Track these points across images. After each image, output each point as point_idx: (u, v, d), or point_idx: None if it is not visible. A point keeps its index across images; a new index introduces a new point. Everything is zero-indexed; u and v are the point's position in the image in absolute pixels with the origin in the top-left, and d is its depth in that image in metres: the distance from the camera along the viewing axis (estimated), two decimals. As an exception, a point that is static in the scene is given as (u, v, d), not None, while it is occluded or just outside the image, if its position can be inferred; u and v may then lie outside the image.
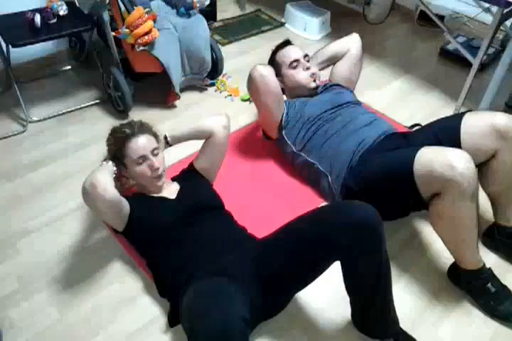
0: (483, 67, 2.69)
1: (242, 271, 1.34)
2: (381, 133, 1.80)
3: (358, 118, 1.86)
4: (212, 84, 2.48)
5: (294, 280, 1.35)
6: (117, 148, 1.54)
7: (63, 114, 2.28)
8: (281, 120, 1.92)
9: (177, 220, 1.48)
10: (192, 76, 2.35)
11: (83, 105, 2.31)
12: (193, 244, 1.44)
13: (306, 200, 1.87)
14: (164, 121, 2.25)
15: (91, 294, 1.56)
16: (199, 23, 2.22)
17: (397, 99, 2.51)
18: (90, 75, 2.51)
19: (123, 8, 1.97)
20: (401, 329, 1.42)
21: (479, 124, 1.59)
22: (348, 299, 1.39)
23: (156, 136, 1.60)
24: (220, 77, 2.50)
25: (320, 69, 2.10)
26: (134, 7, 1.95)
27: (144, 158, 1.51)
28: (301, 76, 1.97)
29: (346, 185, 1.73)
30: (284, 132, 1.92)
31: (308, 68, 1.98)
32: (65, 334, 1.45)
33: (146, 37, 1.96)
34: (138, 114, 2.27)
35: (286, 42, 2.06)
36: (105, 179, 1.39)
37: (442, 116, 2.36)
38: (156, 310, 1.52)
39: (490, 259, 1.69)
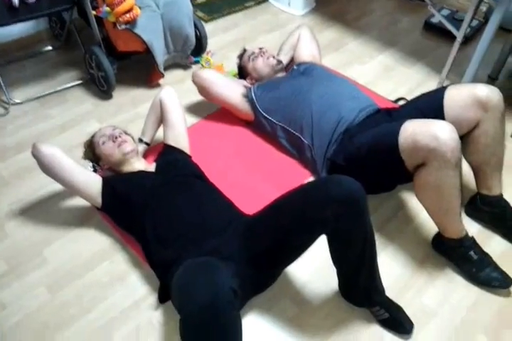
0: (467, 39, 2.69)
1: (231, 249, 1.36)
2: (363, 107, 1.82)
3: (337, 91, 1.88)
4: (197, 62, 2.46)
5: (283, 255, 1.37)
6: (88, 145, 1.71)
7: (46, 95, 2.25)
8: (253, 99, 1.97)
9: (156, 188, 1.51)
10: (175, 54, 2.33)
11: (65, 86, 2.28)
12: (178, 217, 1.45)
13: (292, 174, 1.89)
14: (149, 100, 2.18)
15: (81, 273, 1.58)
16: (182, 0, 2.19)
17: (381, 73, 2.51)
18: (72, 55, 2.47)
19: (102, -15, 1.94)
20: (387, 297, 1.46)
21: (461, 96, 1.61)
22: (334, 269, 1.42)
23: (132, 137, 1.73)
24: (204, 55, 2.47)
25: (288, 62, 2.27)
26: (113, -16, 1.91)
27: (104, 136, 1.65)
28: (260, 60, 2.10)
29: (332, 159, 1.76)
30: (259, 108, 1.96)
31: (264, 53, 2.11)
32: (56, 313, 1.48)
33: (128, 15, 1.93)
34: (122, 94, 2.26)
35: (244, 50, 2.22)
36: (45, 143, 1.54)
37: (426, 89, 2.38)
38: (147, 287, 1.54)
39: (473, 228, 1.73)
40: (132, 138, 1.74)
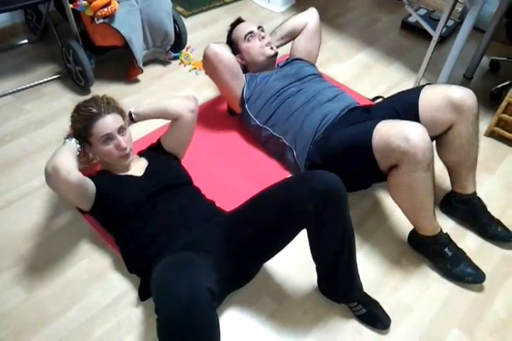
0: (443, 39, 2.75)
1: (210, 244, 1.37)
2: (344, 108, 1.83)
3: (321, 93, 1.88)
4: (176, 58, 2.44)
5: (262, 250, 1.39)
6: (82, 127, 1.47)
7: (21, 90, 2.20)
8: (243, 94, 1.93)
9: (144, 197, 1.48)
10: (154, 49, 2.31)
11: (42, 80, 2.23)
12: (161, 220, 1.45)
13: (273, 173, 1.90)
14: (127, 95, 2.21)
15: (59, 271, 1.56)
16: (160, -5, 2.17)
17: (359, 72, 2.54)
18: (48, 49, 2.42)
19: (80, -22, 1.90)
20: (364, 293, 1.49)
21: (436, 97, 1.64)
22: (314, 266, 1.44)
23: (122, 113, 1.56)
24: (184, 50, 2.46)
25: (280, 46, 2.14)
26: (91, -23, 1.89)
27: (109, 136, 1.46)
28: (257, 45, 1.98)
29: (310, 159, 1.78)
30: (246, 106, 1.94)
31: (263, 37, 1.99)
32: (34, 312, 1.46)
33: (106, 9, 1.90)
34: (100, 89, 2.22)
35: (239, 20, 2.07)
36: (68, 161, 1.36)
37: (403, 88, 2.41)
38: (127, 284, 1.53)
39: (448, 224, 1.78)
40: (130, 136, 1.57)
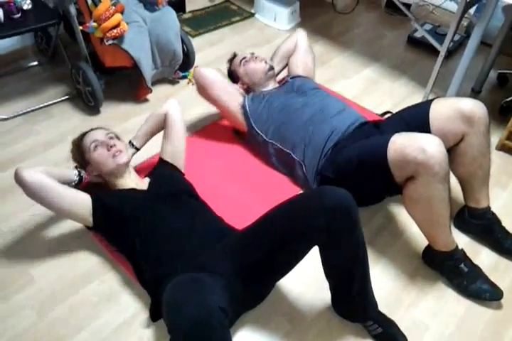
0: (450, 53, 2.75)
1: (222, 264, 1.35)
2: (352, 121, 1.84)
3: (328, 107, 1.89)
4: (184, 77, 2.46)
5: (274, 269, 1.37)
6: (76, 148, 1.61)
7: (31, 111, 2.22)
8: (246, 111, 1.96)
9: (150, 208, 1.48)
10: (163, 69, 2.33)
11: (52, 102, 2.25)
12: (169, 234, 1.44)
13: (282, 189, 1.88)
14: (136, 115, 2.22)
15: (70, 293, 1.54)
16: (168, 16, 2.20)
17: (366, 88, 2.54)
18: (58, 70, 2.45)
19: (89, 1, 1.93)
20: (379, 312, 1.46)
21: (446, 110, 1.64)
22: (326, 283, 1.42)
23: (114, 133, 1.65)
24: (192, 70, 2.48)
25: (280, 71, 2.26)
26: (101, 0, 1.91)
27: (97, 142, 1.56)
28: (251, 65, 2.07)
29: (322, 173, 1.77)
30: (252, 122, 1.96)
31: (256, 57, 2.09)
32: (45, 334, 1.44)
33: (115, 30, 1.93)
34: (110, 109, 2.24)
35: (234, 55, 2.20)
36: (27, 169, 1.44)
37: (411, 103, 2.39)
38: (138, 305, 1.51)
39: (462, 240, 1.75)
40: (125, 144, 1.68)
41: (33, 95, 2.31)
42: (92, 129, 1.65)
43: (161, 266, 1.39)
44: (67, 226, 1.73)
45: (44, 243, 1.69)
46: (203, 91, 2.01)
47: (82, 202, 1.49)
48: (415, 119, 1.70)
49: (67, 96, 2.29)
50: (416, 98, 2.44)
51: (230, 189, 1.89)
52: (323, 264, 1.37)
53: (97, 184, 1.67)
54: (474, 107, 1.61)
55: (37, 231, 1.72)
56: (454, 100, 1.66)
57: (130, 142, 1.76)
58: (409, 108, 1.81)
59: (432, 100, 1.71)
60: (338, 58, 2.76)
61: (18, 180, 1.44)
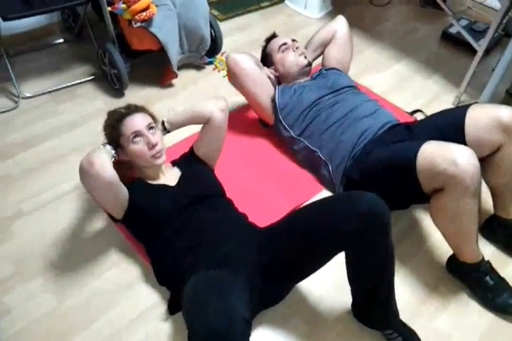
0: (486, 52, 2.64)
1: (244, 259, 1.32)
2: (383, 124, 1.78)
3: (360, 107, 1.83)
4: (210, 63, 2.40)
5: (297, 269, 1.34)
6: (113, 128, 1.47)
7: (56, 90, 2.19)
8: (276, 104, 1.90)
9: (178, 208, 1.45)
10: (190, 54, 2.27)
11: (77, 81, 2.22)
12: (194, 232, 1.41)
13: (306, 187, 1.85)
14: (161, 100, 2.18)
15: (89, 280, 1.54)
16: (198, 0, 2.13)
17: (397, 83, 2.46)
18: (84, 49, 2.40)
19: (120, -19, 1.87)
20: (400, 320, 1.43)
21: (483, 118, 1.57)
22: (347, 288, 1.39)
23: (153, 117, 1.54)
24: (219, 56, 2.42)
25: (314, 59, 2.13)
26: (132, -19, 1.85)
27: (139, 134, 1.44)
28: (291, 55, 1.97)
29: (348, 175, 1.72)
30: (280, 116, 1.90)
31: (297, 48, 1.98)
32: (62, 320, 1.44)
33: (144, 13, 1.87)
34: (134, 92, 2.20)
35: (273, 35, 2.07)
36: (103, 157, 1.34)
37: (443, 102, 2.35)
38: (156, 297, 1.50)
39: (488, 250, 1.70)
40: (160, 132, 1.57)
41: (58, 73, 2.28)
42: (132, 110, 1.49)
43: (182, 261, 1.36)
44: (89, 211, 1.72)
45: (63, 226, 1.68)
46: (235, 78, 1.91)
47: (124, 197, 1.43)
48: (450, 125, 1.63)
49: (92, 77, 2.25)
50: (448, 97, 2.37)
51: (252, 183, 1.85)
52: (348, 269, 1.34)
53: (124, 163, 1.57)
54: None
55: (57, 214, 1.71)
56: (492, 108, 1.58)
57: (163, 123, 1.61)
58: (443, 112, 1.74)
59: (467, 106, 1.63)
60: (368, 50, 2.67)
61: (92, 171, 1.30)
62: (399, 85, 2.45)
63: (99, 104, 2.14)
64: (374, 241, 1.22)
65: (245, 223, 1.53)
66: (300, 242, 1.27)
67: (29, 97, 2.15)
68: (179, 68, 2.29)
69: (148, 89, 2.25)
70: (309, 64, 1.99)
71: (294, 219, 1.33)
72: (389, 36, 2.81)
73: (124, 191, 1.43)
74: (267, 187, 1.84)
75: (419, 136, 1.66)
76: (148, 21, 1.95)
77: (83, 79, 2.23)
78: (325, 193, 1.85)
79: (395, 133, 1.73)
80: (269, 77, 1.98)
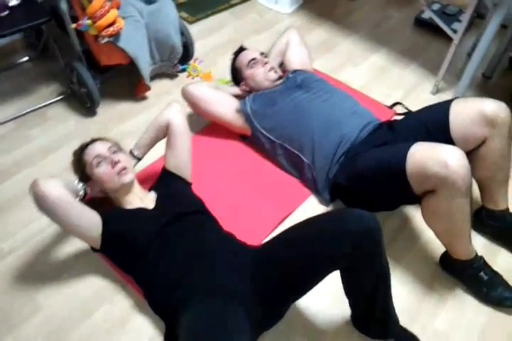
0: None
1: (239, 285, 1.29)
2: (365, 125, 1.77)
3: (337, 107, 1.81)
4: (184, 70, 2.33)
5: (293, 290, 1.32)
6: (77, 162, 1.52)
7: (25, 114, 2.08)
8: (248, 114, 1.88)
9: (159, 230, 1.41)
10: (161, 63, 2.20)
11: (46, 103, 2.12)
12: (182, 257, 1.37)
13: (292, 193, 1.82)
14: (135, 115, 2.12)
15: (80, 320, 1.46)
16: (167, 8, 2.05)
17: (374, 76, 2.43)
18: (50, 66, 2.29)
19: (81, -4, 1.79)
20: (401, 327, 1.42)
21: (467, 112, 1.56)
22: (344, 299, 1.37)
23: (114, 142, 1.56)
24: (191, 62, 2.35)
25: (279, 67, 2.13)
26: (94, -6, 1.77)
27: (100, 157, 1.46)
28: (260, 71, 1.97)
29: (334, 179, 1.71)
30: (256, 123, 1.87)
31: (266, 63, 1.98)
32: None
33: (111, 28, 1.79)
34: (106, 109, 2.12)
35: (241, 49, 2.08)
36: (50, 179, 1.34)
37: (421, 91, 2.34)
38: (152, 330, 1.45)
39: (478, 241, 1.71)
40: (129, 157, 1.60)
41: (25, 96, 2.18)
42: (93, 140, 1.54)
43: (174, 290, 1.32)
44: (71, 244, 1.65)
45: (47, 264, 1.59)
46: (195, 108, 1.96)
47: (94, 225, 1.40)
48: (434, 122, 1.61)
49: (61, 97, 2.16)
50: (426, 86, 2.35)
51: (237, 194, 1.81)
52: (344, 284, 1.32)
53: (99, 198, 1.58)
54: (497, 109, 1.53)
55: (39, 251, 1.63)
56: (476, 102, 1.57)
57: (131, 152, 1.66)
58: (426, 108, 1.72)
59: (450, 101, 1.62)
60: (343, 44, 2.63)
61: (38, 192, 1.31)
62: (376, 78, 2.42)
63: (72, 125, 2.05)
64: (368, 258, 1.21)
65: (235, 244, 1.49)
66: (296, 264, 1.24)
67: (-4, 125, 2.05)
68: (152, 78, 2.21)
69: (121, 104, 2.17)
70: (280, 78, 1.98)
71: (287, 240, 1.30)
72: (362, 27, 2.76)
73: (89, 214, 1.40)
74: (253, 200, 1.79)
75: (404, 134, 1.65)
76: (116, 36, 1.88)
77: (52, 100, 2.13)
78: (313, 199, 1.82)
79: (378, 136, 1.71)
80: (239, 94, 2.00)
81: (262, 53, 2.02)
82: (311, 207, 1.81)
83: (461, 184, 1.33)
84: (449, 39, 2.17)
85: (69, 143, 1.96)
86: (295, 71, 2.03)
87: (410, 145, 1.43)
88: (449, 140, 1.56)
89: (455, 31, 2.16)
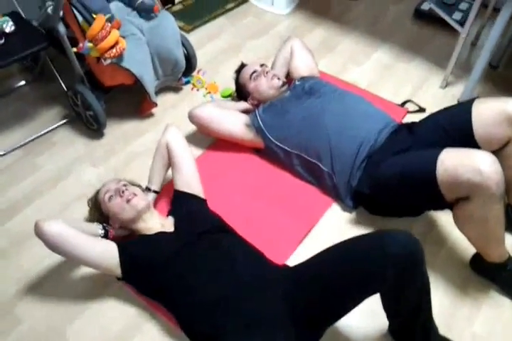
0: (461, 24, 2.57)
1: (274, 313, 1.26)
2: (382, 127, 1.73)
3: (352, 111, 1.78)
4: (188, 82, 2.28)
5: (330, 315, 1.29)
6: (94, 204, 1.57)
7: (30, 141, 2.01)
8: (260, 126, 1.85)
9: (182, 253, 1.38)
10: (165, 78, 2.14)
11: (50, 128, 2.04)
12: (212, 282, 1.33)
13: (313, 203, 1.79)
14: (143, 133, 2.06)
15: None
16: (166, 23, 2.00)
17: (380, 74, 2.39)
18: (48, 89, 2.21)
19: (80, 18, 1.72)
20: (440, 336, 1.40)
21: (490, 113, 1.52)
22: (378, 312, 1.33)
23: (128, 181, 1.59)
24: (195, 74, 2.30)
25: (286, 77, 2.11)
26: (93, 15, 1.70)
27: (110, 192, 1.50)
28: (263, 81, 1.95)
29: (357, 188, 1.68)
30: (269, 135, 1.84)
31: (267, 72, 1.96)
32: None
33: (114, 50, 1.73)
34: (113, 129, 2.07)
35: (242, 66, 2.07)
36: (47, 220, 1.37)
37: (430, 86, 2.29)
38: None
39: (507, 240, 1.65)
40: (140, 187, 1.61)
41: (28, 122, 2.10)
42: (105, 183, 1.59)
43: (207, 318, 1.29)
44: (93, 275, 1.59)
45: (72, 297, 1.54)
46: (205, 130, 1.94)
47: (108, 252, 1.40)
48: (455, 124, 1.58)
49: (65, 120, 2.08)
50: (434, 81, 2.31)
51: (257, 209, 1.76)
52: (384, 301, 1.28)
53: (125, 237, 1.56)
54: None
55: (63, 284, 1.57)
56: (497, 102, 1.53)
57: (147, 188, 1.69)
58: (445, 110, 1.68)
59: (470, 102, 1.58)
60: (345, 41, 2.58)
61: (39, 232, 1.36)
62: (382, 75, 2.38)
63: (80, 148, 1.99)
64: (410, 280, 1.19)
65: (263, 263, 1.45)
66: (332, 289, 1.22)
67: (0, 155, 1.97)
68: (156, 93, 2.15)
69: (128, 122, 2.11)
70: (284, 83, 1.95)
71: (323, 263, 1.27)
72: (360, 23, 2.71)
73: (100, 243, 1.42)
74: (274, 214, 1.75)
75: (424, 138, 1.63)
76: (119, 56, 1.82)
77: (56, 124, 2.06)
78: (335, 207, 1.79)
79: (399, 140, 1.69)
80: (248, 108, 1.97)
81: (262, 65, 2.00)
82: (336, 215, 1.77)
83: (496, 190, 1.31)
84: (452, 29, 2.13)
85: (78, 169, 1.91)
86: (302, 78, 2.00)
87: (439, 151, 1.40)
88: (472, 142, 1.53)
89: (460, 23, 2.12)
